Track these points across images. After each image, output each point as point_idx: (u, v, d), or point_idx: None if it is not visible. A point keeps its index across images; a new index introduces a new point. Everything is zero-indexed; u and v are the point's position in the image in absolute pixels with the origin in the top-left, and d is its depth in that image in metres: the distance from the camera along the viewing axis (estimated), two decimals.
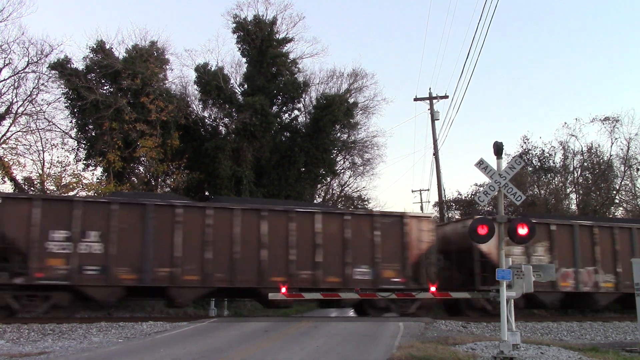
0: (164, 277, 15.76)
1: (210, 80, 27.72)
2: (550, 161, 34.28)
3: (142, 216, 15.96)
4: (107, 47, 26.77)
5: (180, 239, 16.05)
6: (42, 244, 15.05)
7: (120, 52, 27.13)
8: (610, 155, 34.09)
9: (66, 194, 22.77)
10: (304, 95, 32.07)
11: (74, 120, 26.57)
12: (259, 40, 30.40)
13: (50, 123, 26.16)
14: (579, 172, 34.81)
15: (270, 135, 29.10)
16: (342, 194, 38.46)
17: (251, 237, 16.57)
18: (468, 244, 17.32)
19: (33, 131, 25.63)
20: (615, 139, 33.53)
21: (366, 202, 38.42)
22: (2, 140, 24.75)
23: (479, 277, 17.64)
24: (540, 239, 18.24)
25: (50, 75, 25.71)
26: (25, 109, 25.54)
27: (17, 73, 25.43)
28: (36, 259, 14.95)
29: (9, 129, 25.02)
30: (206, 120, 30.10)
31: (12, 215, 15.05)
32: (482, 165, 10.87)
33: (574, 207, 33.55)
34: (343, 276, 17.14)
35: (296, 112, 32.31)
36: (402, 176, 78.95)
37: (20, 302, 15.10)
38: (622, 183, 34.21)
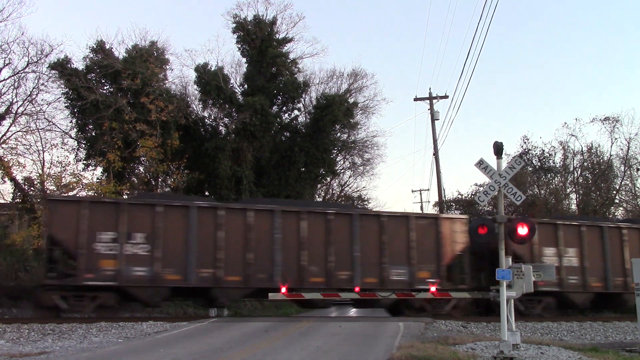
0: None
1: (210, 80, 27.71)
2: (550, 161, 34.28)
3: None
4: (107, 47, 26.74)
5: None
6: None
7: (120, 52, 27.16)
8: (610, 155, 34.16)
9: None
10: (304, 95, 32.08)
11: (74, 120, 26.57)
12: (259, 40, 30.40)
13: (50, 123, 26.11)
14: (579, 172, 34.82)
15: (270, 135, 29.10)
16: (342, 194, 38.46)
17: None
18: None
19: (33, 131, 25.58)
20: (615, 139, 33.59)
21: (366, 202, 38.45)
22: (2, 140, 24.71)
23: None
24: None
25: (50, 75, 25.68)
26: (25, 109, 25.49)
27: (17, 73, 25.38)
28: None
29: (9, 129, 24.98)
30: (206, 120, 30.11)
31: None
32: (482, 165, 10.86)
33: (574, 207, 33.57)
34: None
35: (296, 112, 32.33)
36: (402, 176, 79.05)
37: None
38: (622, 183, 34.25)
